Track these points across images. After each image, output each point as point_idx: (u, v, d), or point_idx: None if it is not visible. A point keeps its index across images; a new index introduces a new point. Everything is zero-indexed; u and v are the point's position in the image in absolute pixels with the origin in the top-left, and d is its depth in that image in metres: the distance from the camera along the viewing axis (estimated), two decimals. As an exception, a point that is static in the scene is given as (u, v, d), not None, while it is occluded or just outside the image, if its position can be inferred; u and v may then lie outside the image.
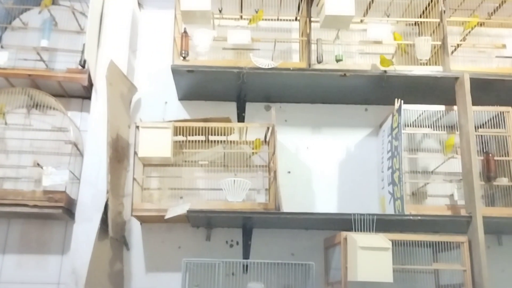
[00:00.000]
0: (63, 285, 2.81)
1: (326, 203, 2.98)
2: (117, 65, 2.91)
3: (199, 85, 2.97)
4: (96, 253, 2.57)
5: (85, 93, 3.06)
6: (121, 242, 2.86)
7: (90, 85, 2.99)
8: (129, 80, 3.05)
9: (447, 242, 2.56)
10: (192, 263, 2.64)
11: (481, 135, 2.81)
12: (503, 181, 2.76)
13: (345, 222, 2.53)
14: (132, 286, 2.83)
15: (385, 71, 2.82)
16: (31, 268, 2.85)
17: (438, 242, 2.57)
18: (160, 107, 3.14)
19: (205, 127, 2.83)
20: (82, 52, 2.99)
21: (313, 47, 2.88)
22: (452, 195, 2.84)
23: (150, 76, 3.18)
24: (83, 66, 2.97)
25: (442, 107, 2.84)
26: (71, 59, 3.05)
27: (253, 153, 2.94)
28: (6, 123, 2.97)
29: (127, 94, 3.04)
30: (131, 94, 3.09)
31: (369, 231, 2.48)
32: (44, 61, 3.03)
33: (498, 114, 2.82)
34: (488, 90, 2.85)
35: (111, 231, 2.66)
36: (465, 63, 3.06)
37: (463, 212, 2.66)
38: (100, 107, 2.92)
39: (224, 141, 2.94)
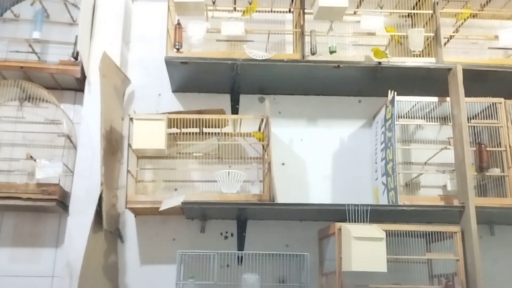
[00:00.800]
0: (57, 278, 2.80)
1: (320, 194, 2.99)
2: (110, 57, 2.90)
3: (193, 77, 2.96)
4: (90, 246, 2.56)
5: (78, 86, 3.05)
6: (116, 235, 2.86)
7: (83, 77, 2.98)
8: (123, 72, 3.04)
9: (440, 232, 2.58)
10: (186, 255, 2.64)
11: (474, 126, 2.83)
12: (495, 171, 2.78)
13: (339, 213, 2.54)
14: (127, 279, 2.83)
15: (379, 63, 2.83)
16: (25, 261, 2.84)
17: (431, 232, 2.59)
18: (154, 99, 3.13)
19: (199, 119, 2.83)
20: (75, 44, 2.97)
21: (307, 38, 2.88)
22: (445, 186, 2.87)
23: (144, 68, 3.17)
24: (76, 58, 2.95)
25: (435, 99, 2.85)
26: (64, 51, 3.02)
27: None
28: (-2, 116, 2.96)
29: (121, 86, 3.03)
30: (124, 86, 3.07)
31: (363, 221, 2.50)
32: (36, 53, 3.00)
33: (490, 105, 2.84)
34: (481, 81, 2.87)
35: (105, 223, 2.65)
36: (458, 55, 3.08)
37: (456, 203, 2.68)
38: (93, 99, 2.90)
39: (218, 133, 2.94)
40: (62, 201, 2.77)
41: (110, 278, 2.74)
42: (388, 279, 2.52)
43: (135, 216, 2.91)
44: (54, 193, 2.71)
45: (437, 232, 2.58)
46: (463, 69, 2.73)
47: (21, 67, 2.90)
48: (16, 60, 2.94)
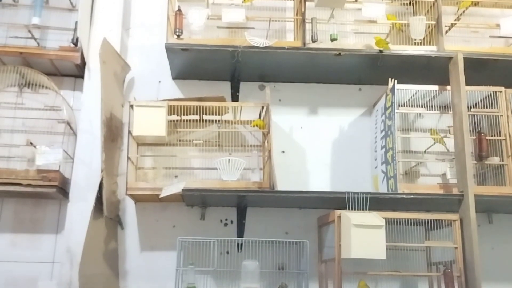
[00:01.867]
0: (57, 264, 2.81)
1: (320, 182, 3.00)
2: (110, 43, 2.88)
3: (193, 64, 2.95)
4: (90, 232, 2.57)
5: (78, 72, 3.03)
6: (116, 221, 2.87)
7: (83, 63, 2.96)
8: (123, 58, 3.02)
9: (439, 220, 2.60)
10: (187, 242, 2.65)
11: (474, 115, 2.83)
12: (495, 160, 2.79)
13: (339, 201, 2.55)
14: (127, 265, 2.84)
15: (380, 51, 2.82)
16: (25, 247, 2.85)
17: (430, 220, 2.60)
18: (154, 86, 3.12)
19: (200, 106, 2.82)
20: (75, 30, 2.95)
21: (308, 26, 2.87)
22: (444, 174, 2.87)
23: (144, 54, 3.15)
24: (76, 44, 2.94)
25: (435, 87, 2.85)
26: (63, 37, 3.01)
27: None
28: (-2, 102, 2.95)
29: (121, 73, 3.02)
30: (124, 73, 3.06)
31: (363, 209, 2.51)
32: (35, 39, 2.98)
33: (490, 94, 2.84)
34: (482, 70, 2.87)
35: (106, 210, 2.66)
36: (459, 43, 3.07)
37: (455, 191, 2.69)
38: (93, 86, 2.89)
39: (219, 120, 2.94)
40: (62, 188, 2.78)
41: (110, 265, 2.76)
42: (387, 267, 2.53)
43: (135, 203, 2.92)
44: (54, 180, 2.71)
45: (436, 220, 2.60)
46: (464, 58, 2.72)
47: (21, 53, 2.88)
48: (16, 46, 2.92)
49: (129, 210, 2.92)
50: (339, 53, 2.82)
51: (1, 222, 2.88)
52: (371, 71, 2.99)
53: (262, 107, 2.87)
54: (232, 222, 2.93)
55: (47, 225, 2.88)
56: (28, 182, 2.70)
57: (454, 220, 2.58)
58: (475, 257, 2.48)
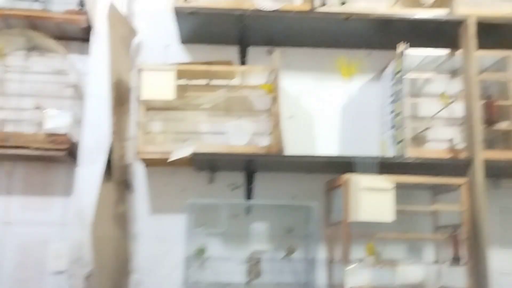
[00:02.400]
0: (68, 226, 2.85)
1: (328, 147, 3.00)
2: (117, 7, 2.85)
3: (201, 28, 2.92)
4: (100, 195, 2.60)
5: (85, 35, 3.00)
6: (125, 185, 2.89)
7: (90, 27, 2.94)
8: (130, 22, 3.00)
9: (447, 184, 2.61)
10: (196, 205, 2.68)
11: (484, 80, 2.81)
12: (504, 125, 2.79)
13: (347, 165, 2.56)
14: (137, 227, 2.88)
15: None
16: (36, 209, 2.88)
17: (438, 184, 2.62)
18: (161, 50, 3.08)
19: (208, 71, 2.81)
20: (81, -8, 2.92)
21: (317, -11, 2.84)
22: (452, 139, 2.87)
23: (151, 18, 3.11)
24: (82, 7, 2.91)
25: (445, 52, 2.82)
26: (69, 0, 2.98)
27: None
28: (5, 66, 2.93)
29: (128, 37, 2.99)
30: (131, 37, 3.04)
31: (371, 173, 2.52)
32: (41, 2, 2.95)
33: (501, 59, 2.81)
34: (493, 34, 2.82)
35: (115, 174, 2.68)
36: (471, 6, 3.01)
37: (463, 155, 2.69)
38: (100, 50, 2.88)
39: (227, 85, 2.93)
40: (71, 151, 2.79)
41: (120, 226, 2.79)
42: (394, 230, 2.56)
43: (144, 167, 2.94)
44: (63, 143, 2.71)
45: (444, 184, 2.61)
46: (475, 21, 2.69)
47: (27, 16, 2.85)
48: (21, 9, 2.89)
49: (139, 174, 2.94)
50: (348, 17, 2.78)
51: (12, 185, 2.91)
52: (381, 35, 2.96)
53: (270, 72, 2.85)
54: (240, 186, 2.95)
55: (57, 188, 2.91)
56: (37, 145, 2.71)
57: (462, 184, 2.59)
58: (482, 220, 2.50)
